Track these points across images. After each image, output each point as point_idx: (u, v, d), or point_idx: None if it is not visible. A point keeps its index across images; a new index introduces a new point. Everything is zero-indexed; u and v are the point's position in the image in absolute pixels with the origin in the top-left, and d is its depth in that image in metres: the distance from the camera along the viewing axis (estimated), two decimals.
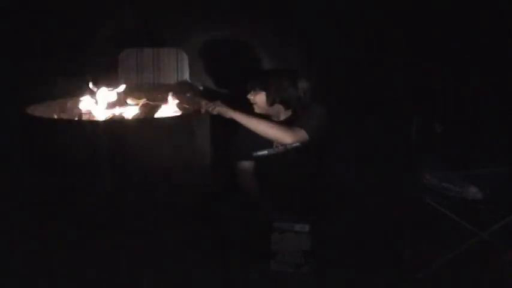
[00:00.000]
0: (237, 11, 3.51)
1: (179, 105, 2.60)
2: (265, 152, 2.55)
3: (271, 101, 2.55)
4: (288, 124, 2.51)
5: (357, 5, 3.39)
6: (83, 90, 2.56)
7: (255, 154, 2.58)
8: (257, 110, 2.60)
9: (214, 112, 2.39)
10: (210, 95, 3.22)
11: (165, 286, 2.14)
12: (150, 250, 2.25)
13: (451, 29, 3.25)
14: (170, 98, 2.58)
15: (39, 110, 2.44)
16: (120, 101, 2.54)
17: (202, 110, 2.40)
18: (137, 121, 2.37)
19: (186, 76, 3.49)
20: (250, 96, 2.59)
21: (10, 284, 2.13)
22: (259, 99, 2.57)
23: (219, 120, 2.45)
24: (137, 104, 2.49)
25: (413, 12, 3.29)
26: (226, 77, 3.67)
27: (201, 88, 3.41)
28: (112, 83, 2.60)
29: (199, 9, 3.55)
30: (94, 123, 2.40)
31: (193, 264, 2.22)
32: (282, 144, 2.48)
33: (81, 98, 2.57)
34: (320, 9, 3.44)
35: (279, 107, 2.58)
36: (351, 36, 3.41)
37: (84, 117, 2.51)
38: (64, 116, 2.53)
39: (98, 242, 2.26)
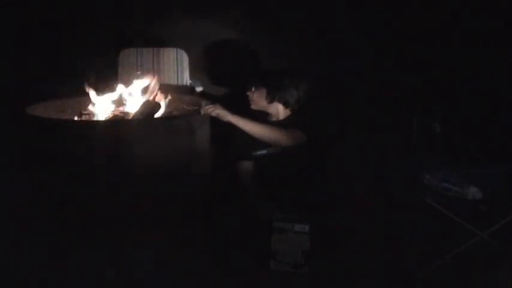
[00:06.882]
0: (237, 11, 3.51)
1: (179, 106, 2.60)
2: (264, 151, 2.56)
3: (270, 99, 2.56)
4: (286, 125, 2.51)
5: (357, 5, 3.39)
6: (82, 90, 2.56)
7: (254, 153, 2.58)
8: (254, 107, 2.61)
9: (213, 114, 2.40)
10: (209, 96, 3.23)
11: (165, 286, 2.14)
12: (149, 250, 2.25)
13: (451, 29, 3.25)
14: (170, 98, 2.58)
15: (39, 110, 2.43)
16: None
17: (202, 112, 2.41)
18: (137, 121, 2.37)
19: (186, 76, 3.49)
20: (250, 93, 2.60)
21: (9, 284, 2.13)
22: (258, 96, 2.58)
23: (219, 121, 2.45)
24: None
25: (413, 12, 3.29)
26: (226, 77, 3.67)
27: (201, 89, 3.40)
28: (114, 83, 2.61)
29: (199, 9, 3.54)
30: (94, 124, 2.39)
31: (194, 264, 2.22)
32: None
33: (81, 98, 2.57)
34: (320, 9, 3.44)
35: (278, 106, 2.59)
36: (350, 36, 3.41)
37: (84, 117, 2.51)
38: (64, 116, 2.53)
39: (97, 242, 2.26)
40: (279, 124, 2.55)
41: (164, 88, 2.62)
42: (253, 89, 2.60)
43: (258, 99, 2.60)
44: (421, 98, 3.09)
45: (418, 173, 2.31)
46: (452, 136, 2.48)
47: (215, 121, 2.46)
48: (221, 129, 2.48)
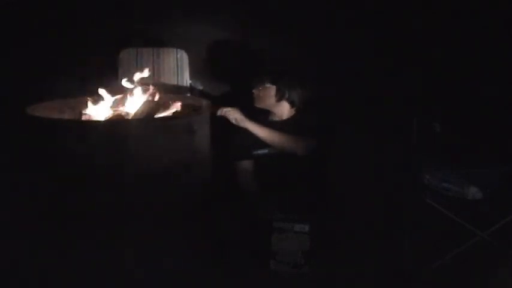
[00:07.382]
0: (238, 11, 3.51)
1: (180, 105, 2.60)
2: (265, 150, 2.56)
3: (279, 97, 2.57)
4: (293, 125, 2.53)
5: (356, 6, 3.39)
6: (83, 90, 2.56)
7: (255, 153, 2.58)
8: (259, 105, 2.61)
9: (231, 118, 2.41)
10: (209, 96, 3.23)
11: (165, 286, 2.14)
12: (149, 250, 2.25)
13: (451, 29, 3.25)
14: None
15: (39, 110, 2.43)
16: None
17: (219, 113, 2.43)
18: (137, 121, 2.37)
19: (186, 76, 3.49)
20: (256, 91, 2.60)
21: (9, 284, 2.13)
22: (266, 93, 2.58)
23: (219, 121, 2.45)
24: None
25: (413, 12, 3.29)
26: (226, 77, 3.67)
27: (201, 88, 3.41)
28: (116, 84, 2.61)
29: (199, 9, 3.55)
30: (94, 123, 2.39)
31: (193, 264, 2.22)
32: None
33: (81, 98, 2.57)
34: (321, 9, 3.44)
35: (284, 105, 2.60)
36: (350, 36, 3.41)
37: (84, 118, 2.51)
38: (64, 116, 2.53)
39: (97, 242, 2.26)
40: (284, 123, 2.56)
41: (164, 89, 2.62)
42: (260, 87, 2.60)
43: (265, 97, 2.60)
44: (421, 98, 3.09)
45: (418, 173, 2.31)
46: (452, 136, 2.48)
47: (215, 121, 2.46)
48: (221, 129, 2.48)
